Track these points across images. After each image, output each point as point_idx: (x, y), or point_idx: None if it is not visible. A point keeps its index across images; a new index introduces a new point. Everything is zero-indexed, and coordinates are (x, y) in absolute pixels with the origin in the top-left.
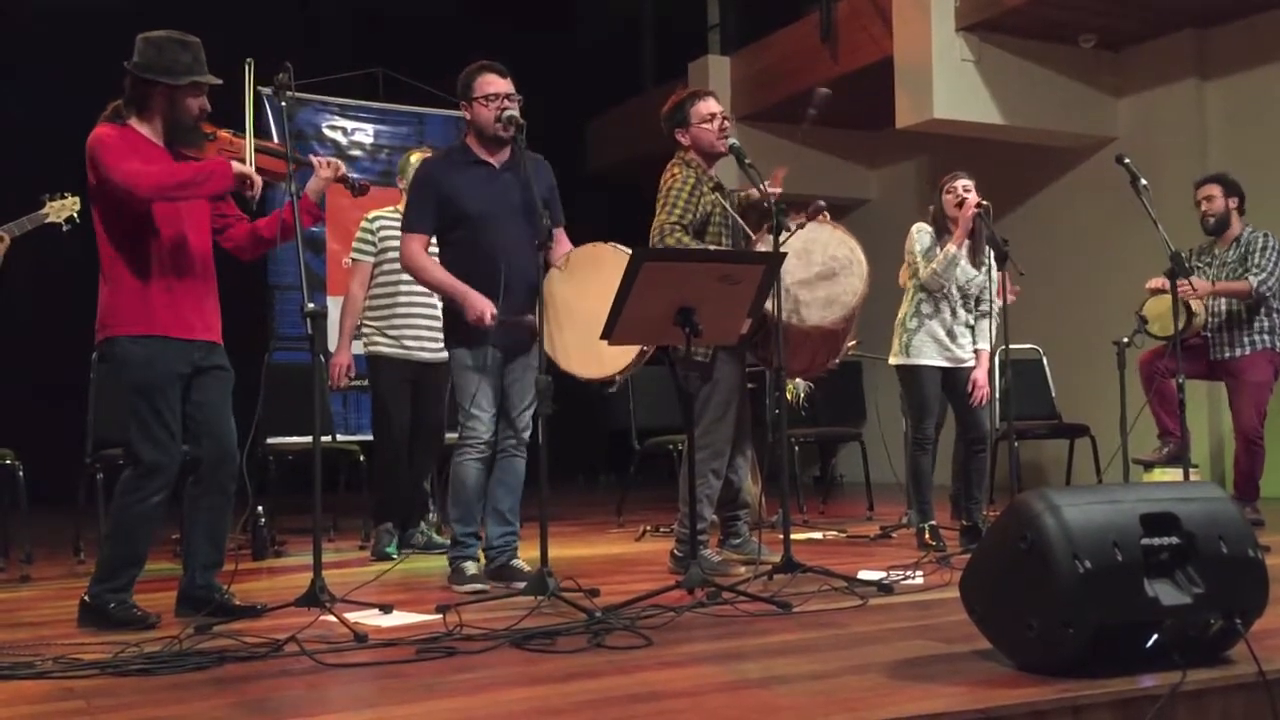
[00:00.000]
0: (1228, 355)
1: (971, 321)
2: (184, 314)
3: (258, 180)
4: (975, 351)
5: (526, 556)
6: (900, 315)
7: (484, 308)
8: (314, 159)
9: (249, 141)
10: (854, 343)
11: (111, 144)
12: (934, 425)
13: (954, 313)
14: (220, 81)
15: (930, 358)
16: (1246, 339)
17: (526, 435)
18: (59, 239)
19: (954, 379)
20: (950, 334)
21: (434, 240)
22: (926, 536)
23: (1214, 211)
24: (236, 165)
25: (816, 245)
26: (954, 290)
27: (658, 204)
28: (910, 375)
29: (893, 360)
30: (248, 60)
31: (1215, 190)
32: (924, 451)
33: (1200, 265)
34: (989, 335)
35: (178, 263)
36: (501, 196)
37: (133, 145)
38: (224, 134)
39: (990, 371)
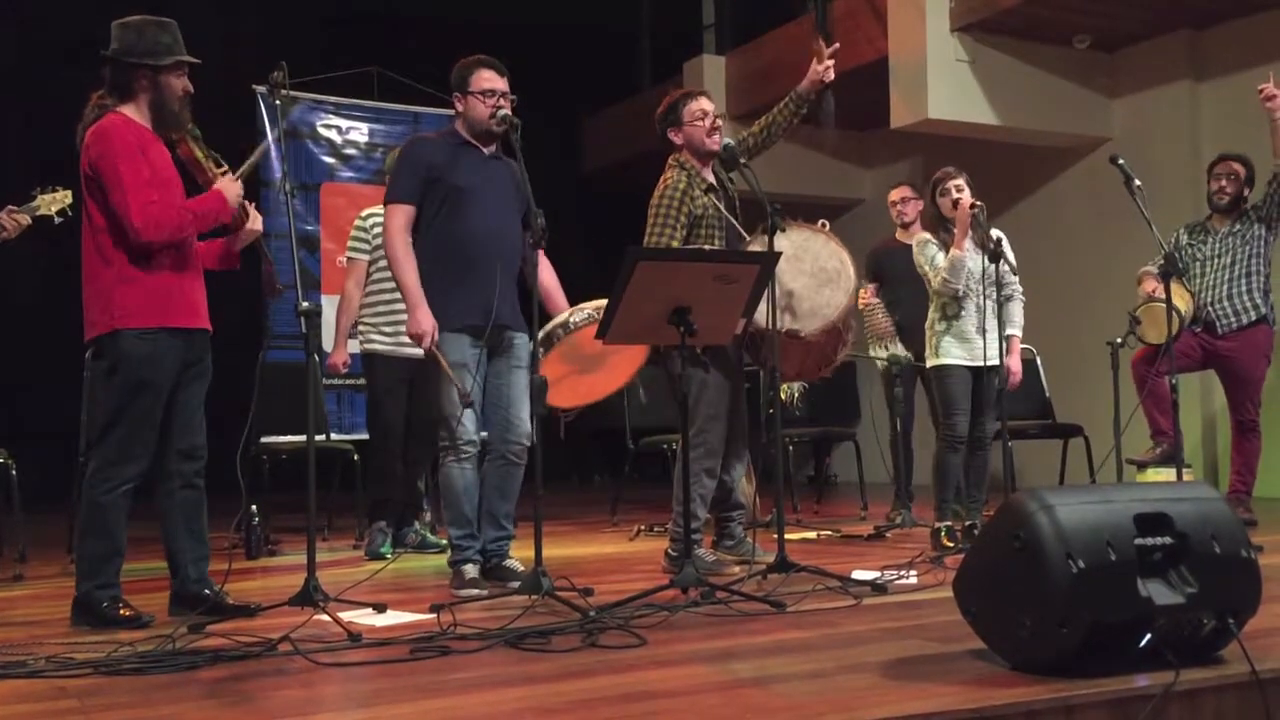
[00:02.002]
0: (1235, 326)
1: (996, 311)
2: (188, 300)
3: (254, 213)
4: (1008, 337)
5: (521, 555)
6: (929, 319)
7: (426, 328)
8: (254, 211)
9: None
10: (850, 343)
11: (124, 154)
12: (965, 424)
13: (979, 307)
14: (199, 61)
15: (957, 358)
16: (1249, 303)
17: (528, 441)
18: (51, 235)
19: (975, 378)
20: (980, 330)
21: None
22: (943, 537)
23: (1234, 191)
24: (231, 193)
25: (808, 254)
26: (973, 286)
27: (649, 214)
28: (940, 375)
29: (928, 363)
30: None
31: (1241, 170)
32: (953, 451)
33: (1195, 244)
34: (1017, 320)
35: (179, 247)
36: (491, 179)
37: (141, 146)
38: (212, 168)
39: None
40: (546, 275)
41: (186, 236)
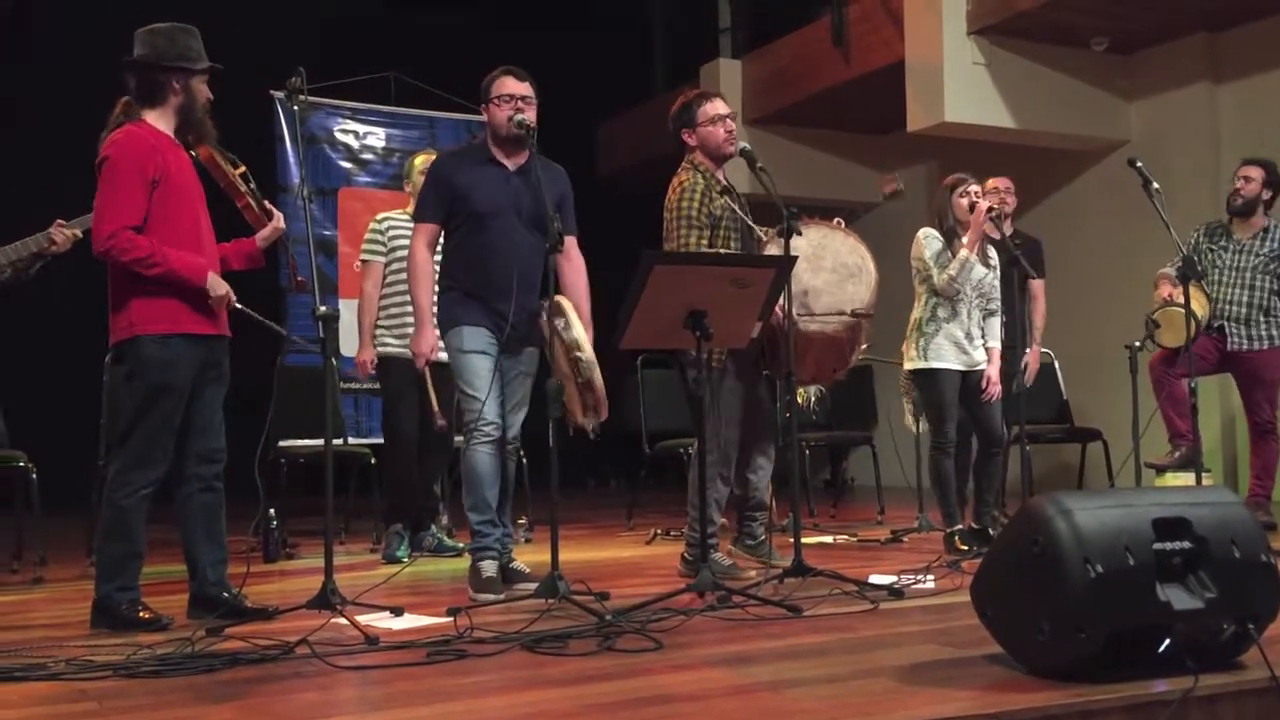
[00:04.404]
0: (1245, 348)
1: (981, 321)
2: (206, 306)
3: (217, 303)
4: (987, 349)
5: (538, 560)
6: (915, 319)
7: (424, 350)
8: (274, 210)
9: (250, 190)
10: (865, 345)
11: (127, 170)
12: (955, 428)
13: (969, 314)
14: (223, 69)
15: (949, 361)
16: (1265, 333)
17: (515, 437)
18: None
19: (969, 382)
20: (969, 336)
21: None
22: (957, 541)
23: (1248, 193)
24: (213, 281)
25: (827, 251)
26: (969, 291)
27: (667, 217)
28: (929, 379)
29: (909, 365)
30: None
31: (1257, 174)
32: (946, 455)
33: (1215, 249)
34: (998, 333)
35: (198, 253)
36: (512, 198)
37: (156, 153)
38: (230, 170)
39: (1001, 371)
40: (573, 277)
41: (144, 275)
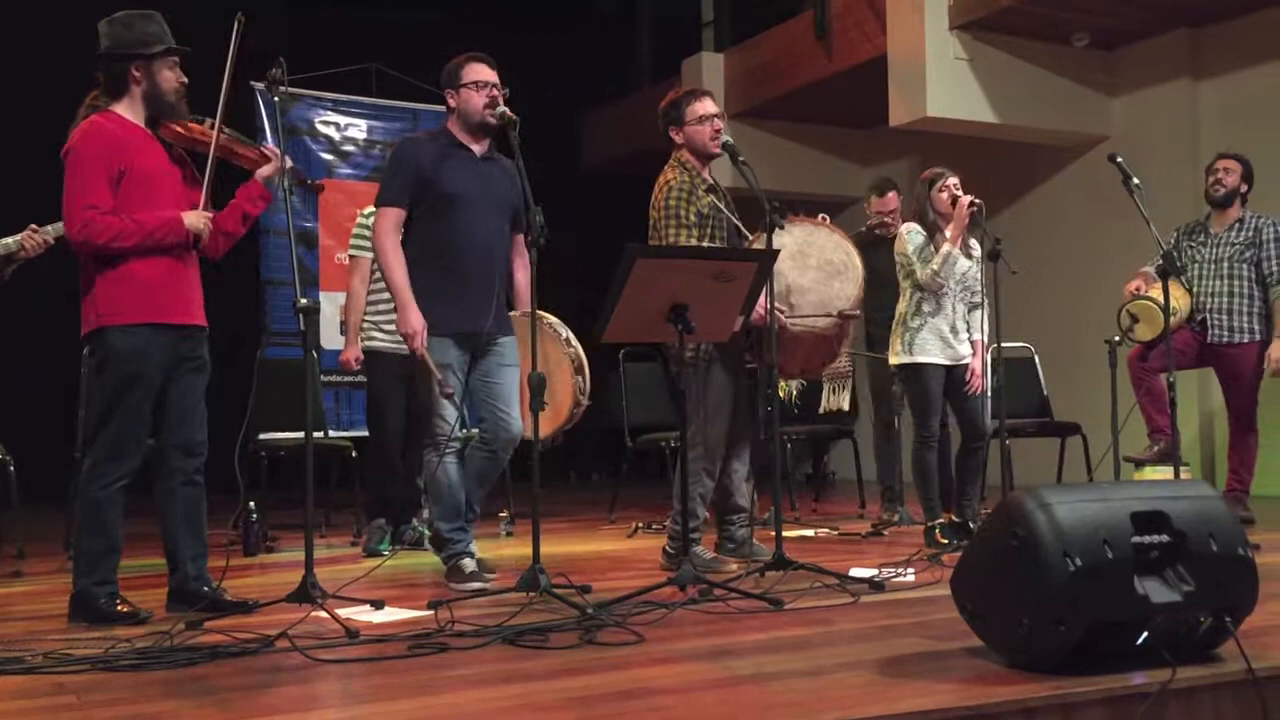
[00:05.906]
0: (1226, 340)
1: (966, 314)
2: (179, 295)
3: (205, 234)
4: (971, 342)
5: (520, 553)
6: (899, 313)
7: (416, 328)
8: (266, 148)
9: (216, 130)
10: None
11: (90, 159)
12: (939, 422)
13: (954, 308)
14: (189, 50)
15: (934, 355)
16: (1246, 325)
17: (519, 435)
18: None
19: (953, 376)
20: (954, 330)
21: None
22: (937, 534)
23: (1229, 184)
24: (190, 219)
25: (813, 248)
26: (953, 285)
27: (654, 215)
28: (914, 373)
29: (894, 360)
30: (239, 16)
31: (1235, 167)
32: (929, 449)
33: (1193, 245)
34: (982, 326)
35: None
36: (481, 183)
37: (123, 146)
38: (195, 126)
39: (984, 365)
40: (521, 274)
41: (125, 247)
